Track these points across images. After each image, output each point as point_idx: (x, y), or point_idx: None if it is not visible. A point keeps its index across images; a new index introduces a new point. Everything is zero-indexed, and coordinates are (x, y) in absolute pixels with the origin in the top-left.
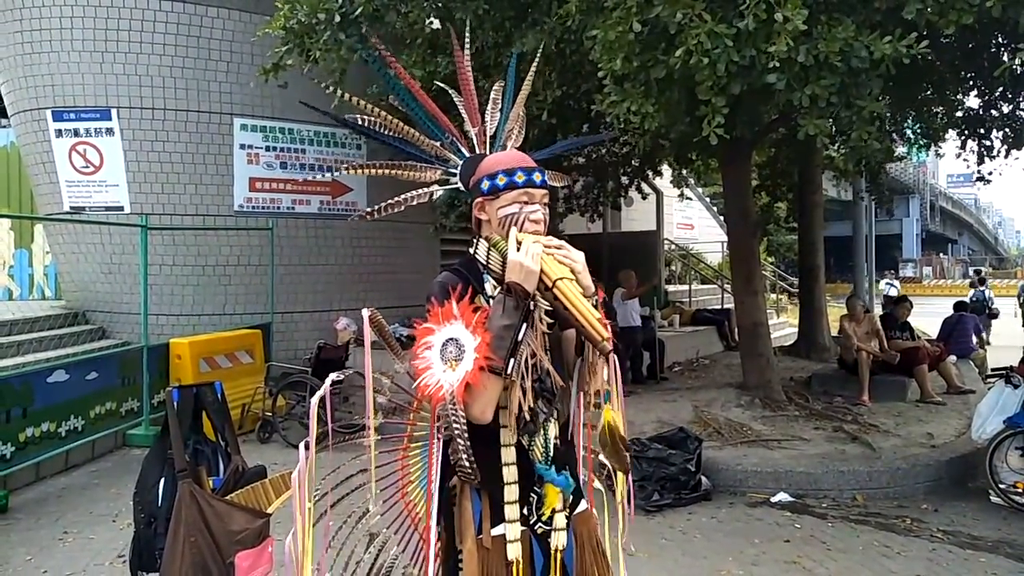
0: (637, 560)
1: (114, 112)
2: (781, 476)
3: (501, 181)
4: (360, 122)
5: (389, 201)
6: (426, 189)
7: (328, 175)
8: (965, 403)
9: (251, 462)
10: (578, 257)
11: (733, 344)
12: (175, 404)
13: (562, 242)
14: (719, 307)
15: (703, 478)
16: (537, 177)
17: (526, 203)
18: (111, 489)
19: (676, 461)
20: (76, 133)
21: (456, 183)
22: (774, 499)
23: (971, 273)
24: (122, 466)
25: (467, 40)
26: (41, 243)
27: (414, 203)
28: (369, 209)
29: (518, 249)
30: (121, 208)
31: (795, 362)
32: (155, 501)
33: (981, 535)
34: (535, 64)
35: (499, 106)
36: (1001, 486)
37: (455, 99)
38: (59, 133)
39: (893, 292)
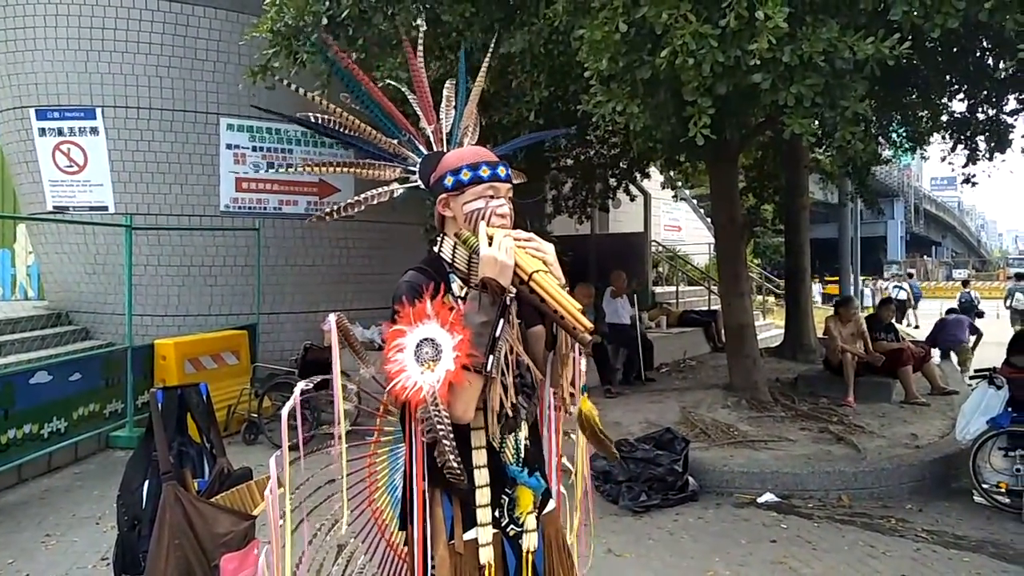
0: (624, 561)
1: (99, 111)
2: (767, 477)
3: (465, 176)
4: (315, 120)
5: (348, 201)
6: (386, 188)
7: (305, 174)
8: (949, 404)
9: (237, 464)
10: (548, 249)
11: (720, 345)
12: (159, 405)
13: (531, 234)
14: (706, 308)
15: (690, 479)
16: (502, 171)
17: (491, 197)
18: (94, 491)
19: (663, 462)
20: (60, 132)
21: (416, 181)
22: (760, 500)
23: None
24: (106, 468)
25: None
26: (24, 243)
27: (374, 202)
28: (328, 210)
29: (490, 244)
30: (105, 208)
31: (781, 363)
32: (139, 503)
33: (965, 535)
34: (487, 63)
35: (453, 104)
36: (984, 486)
37: (409, 98)
38: (42, 132)
39: (903, 295)
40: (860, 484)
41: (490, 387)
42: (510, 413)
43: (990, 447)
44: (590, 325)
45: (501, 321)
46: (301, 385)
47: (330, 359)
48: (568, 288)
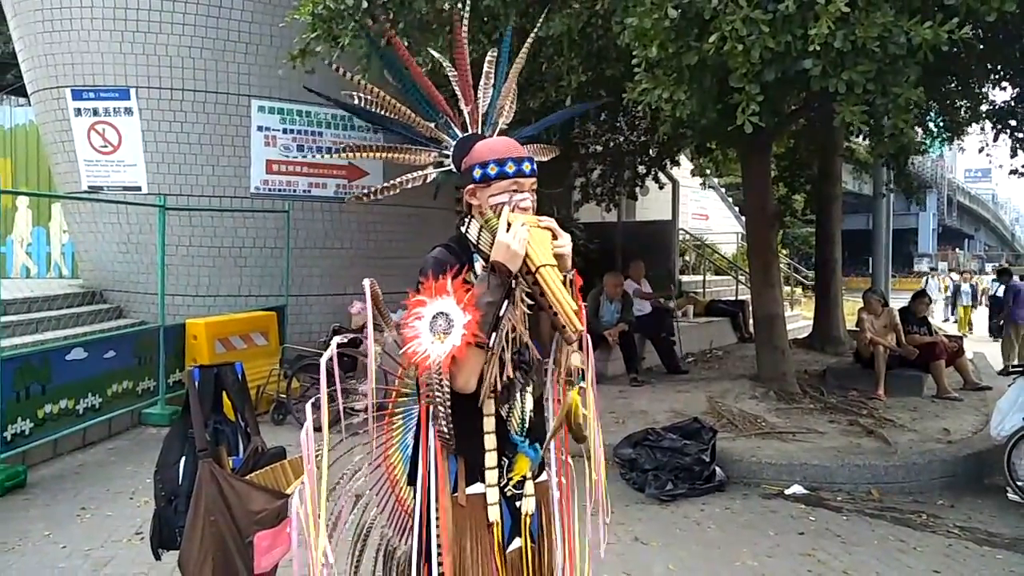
0: (650, 549)
1: (133, 92)
2: (796, 469)
3: (492, 171)
4: (357, 102)
5: (384, 184)
6: (420, 172)
7: (338, 157)
8: (982, 399)
9: (266, 444)
10: (565, 241)
11: (747, 336)
12: (196, 383)
13: (551, 221)
14: (733, 298)
15: (717, 469)
16: (527, 167)
17: (515, 191)
18: (127, 466)
19: (690, 451)
20: (95, 112)
21: (450, 165)
22: (788, 491)
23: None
24: (138, 444)
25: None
26: (59, 221)
27: (408, 186)
28: (365, 191)
29: (507, 230)
30: (139, 188)
31: (809, 355)
32: (176, 479)
33: (998, 532)
34: (529, 43)
35: (491, 81)
36: (1019, 483)
37: (449, 75)
38: (78, 112)
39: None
40: (890, 478)
41: (490, 362)
42: (498, 386)
43: None
44: (581, 327)
45: (506, 302)
46: (337, 339)
47: (357, 342)
48: (581, 283)
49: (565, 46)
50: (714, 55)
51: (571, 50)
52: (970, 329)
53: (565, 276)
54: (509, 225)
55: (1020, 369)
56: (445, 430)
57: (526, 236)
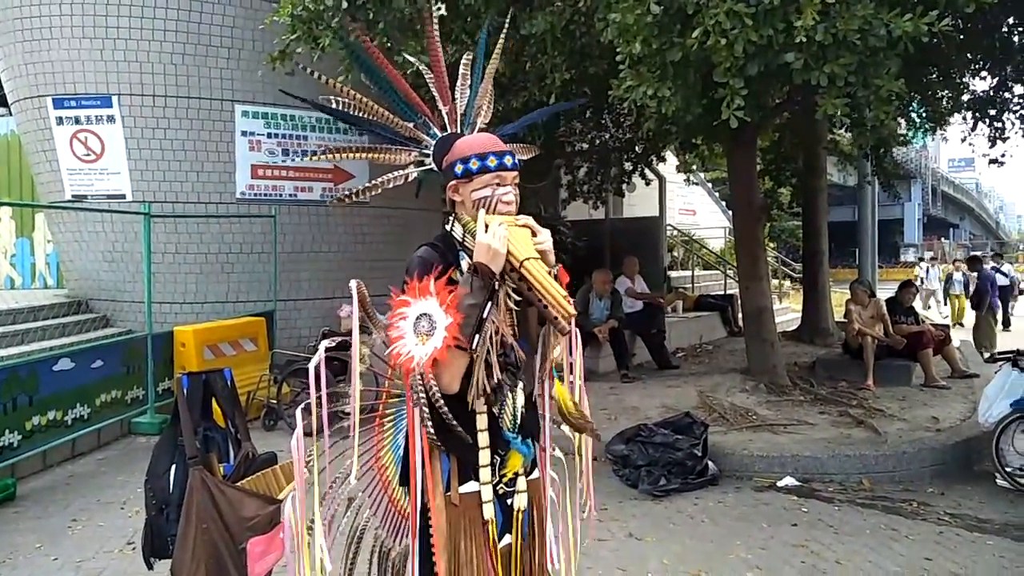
0: (645, 544)
1: (115, 99)
2: (787, 461)
3: (474, 165)
4: (335, 105)
5: (366, 185)
6: (401, 172)
7: (315, 159)
8: (969, 387)
9: (257, 449)
10: (545, 236)
11: (736, 330)
12: (185, 391)
13: (528, 219)
14: (722, 293)
15: (710, 463)
16: (508, 161)
17: (498, 185)
18: (118, 476)
19: (682, 446)
20: (77, 120)
21: (430, 164)
22: (780, 483)
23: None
24: (128, 454)
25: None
26: (43, 231)
27: (390, 186)
28: (347, 192)
29: (485, 231)
30: (123, 196)
31: (798, 347)
32: (167, 488)
33: (988, 518)
34: (502, 42)
35: (468, 82)
36: (1007, 469)
37: (426, 77)
38: (60, 121)
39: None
40: (881, 468)
41: (476, 364)
42: (488, 388)
43: (1013, 430)
44: (573, 312)
45: (489, 304)
46: (325, 343)
47: (346, 345)
48: (568, 280)
49: (548, 44)
50: (697, 50)
51: (554, 48)
52: (962, 316)
53: (550, 271)
54: (487, 227)
55: (1006, 356)
56: (431, 431)
57: (506, 234)
